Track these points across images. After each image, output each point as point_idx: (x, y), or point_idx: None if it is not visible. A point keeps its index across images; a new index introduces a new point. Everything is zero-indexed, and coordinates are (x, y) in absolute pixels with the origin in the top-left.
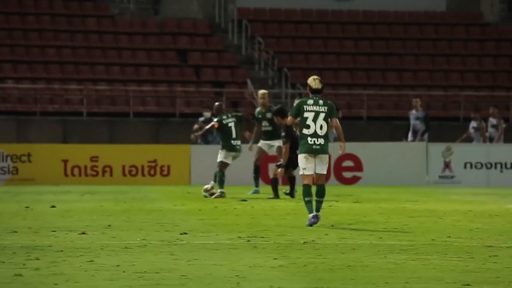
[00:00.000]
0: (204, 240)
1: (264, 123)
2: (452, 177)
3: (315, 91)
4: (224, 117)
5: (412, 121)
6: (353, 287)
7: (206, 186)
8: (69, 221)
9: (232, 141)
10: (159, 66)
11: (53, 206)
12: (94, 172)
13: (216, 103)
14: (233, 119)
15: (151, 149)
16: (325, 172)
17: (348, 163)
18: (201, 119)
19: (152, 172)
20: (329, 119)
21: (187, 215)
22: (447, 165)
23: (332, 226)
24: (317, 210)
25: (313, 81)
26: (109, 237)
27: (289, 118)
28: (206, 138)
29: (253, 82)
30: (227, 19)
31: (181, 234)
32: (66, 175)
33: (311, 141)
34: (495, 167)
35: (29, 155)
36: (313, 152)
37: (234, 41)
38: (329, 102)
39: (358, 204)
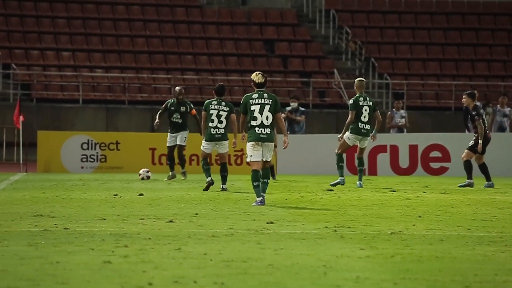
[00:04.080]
0: (290, 230)
1: None
2: None
3: (259, 85)
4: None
5: (497, 118)
6: (441, 278)
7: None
8: (157, 209)
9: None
10: (246, 56)
11: (141, 194)
12: None
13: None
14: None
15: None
16: (270, 159)
17: (435, 153)
18: (288, 108)
19: (238, 161)
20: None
21: (273, 204)
22: None
23: (420, 216)
24: (263, 190)
25: (255, 76)
26: (196, 226)
27: (241, 116)
28: (292, 128)
29: (340, 72)
30: (314, 9)
31: (267, 223)
32: (153, 163)
33: (258, 130)
34: None
35: (117, 143)
36: (260, 140)
37: (322, 31)
38: (273, 95)
39: (445, 195)
